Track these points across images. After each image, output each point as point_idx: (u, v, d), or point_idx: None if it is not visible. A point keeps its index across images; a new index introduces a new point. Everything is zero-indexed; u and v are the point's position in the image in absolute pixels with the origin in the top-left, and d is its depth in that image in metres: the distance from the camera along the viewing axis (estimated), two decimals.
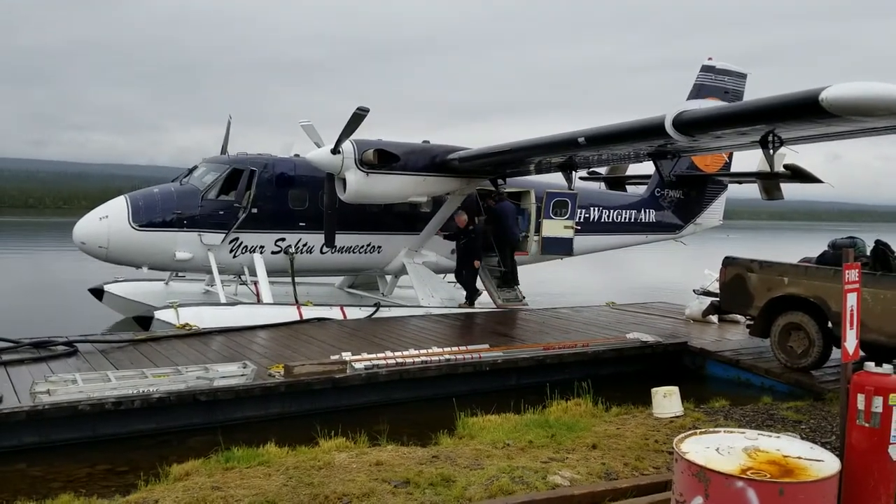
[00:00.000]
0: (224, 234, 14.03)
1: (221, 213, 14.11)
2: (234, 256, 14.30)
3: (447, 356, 10.07)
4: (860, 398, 3.94)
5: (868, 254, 10.25)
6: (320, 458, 6.55)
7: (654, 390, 8.30)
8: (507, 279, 16.05)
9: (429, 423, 8.17)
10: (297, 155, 15.31)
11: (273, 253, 14.51)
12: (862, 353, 9.69)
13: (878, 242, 10.05)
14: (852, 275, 4.37)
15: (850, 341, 4.34)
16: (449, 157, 14.13)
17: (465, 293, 15.63)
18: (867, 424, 3.94)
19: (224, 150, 16.29)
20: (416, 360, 9.83)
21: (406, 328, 12.62)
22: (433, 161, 14.13)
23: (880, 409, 3.89)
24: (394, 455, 6.63)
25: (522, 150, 13.20)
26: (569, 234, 16.38)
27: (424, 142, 14.82)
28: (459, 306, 15.18)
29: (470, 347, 10.54)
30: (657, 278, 26.92)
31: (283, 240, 14.60)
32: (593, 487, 5.68)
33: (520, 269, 17.33)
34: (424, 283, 15.28)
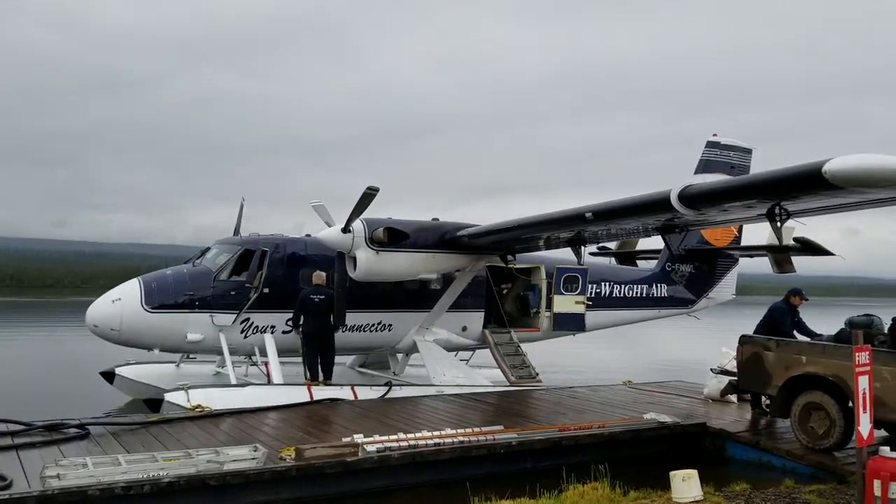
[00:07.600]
0: (235, 315, 14.06)
1: (233, 293, 14.19)
2: (245, 337, 14.29)
3: (461, 438, 9.87)
4: (876, 484, 3.83)
5: (886, 331, 10.13)
6: None
7: (672, 474, 8.10)
8: None
9: None
10: (308, 235, 15.47)
11: (284, 332, 14.50)
12: (885, 434, 9.54)
13: (895, 319, 9.94)
14: (863, 357, 4.32)
15: (864, 425, 4.26)
16: (458, 234, 14.23)
17: None
18: None
19: (237, 231, 16.50)
20: (429, 442, 9.64)
21: (418, 408, 12.46)
22: (442, 238, 14.23)
23: None
24: None
25: (531, 225, 13.26)
26: (580, 309, 16.34)
27: (434, 219, 14.95)
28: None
29: (484, 429, 10.33)
30: (673, 355, 26.53)
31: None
32: None
33: (533, 345, 17.19)
34: (436, 360, 15.15)
